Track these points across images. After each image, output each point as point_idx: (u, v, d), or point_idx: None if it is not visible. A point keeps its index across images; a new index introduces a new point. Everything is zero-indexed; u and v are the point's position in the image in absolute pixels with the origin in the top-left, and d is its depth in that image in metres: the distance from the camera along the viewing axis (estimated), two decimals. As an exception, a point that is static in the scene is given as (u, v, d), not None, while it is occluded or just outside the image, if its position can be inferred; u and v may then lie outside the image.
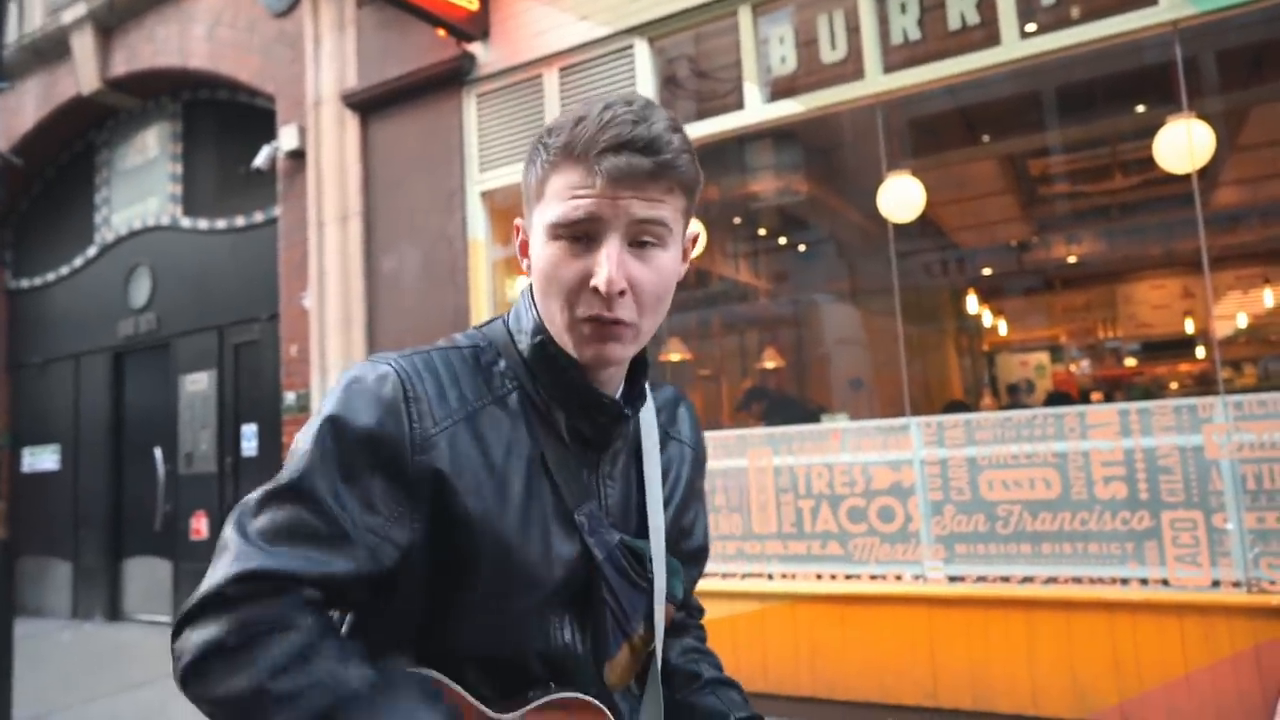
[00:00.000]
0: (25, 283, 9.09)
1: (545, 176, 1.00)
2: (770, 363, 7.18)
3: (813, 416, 5.05)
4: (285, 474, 0.93)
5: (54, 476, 8.59)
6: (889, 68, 4.33)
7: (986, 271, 8.75)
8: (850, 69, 4.46)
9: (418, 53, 5.66)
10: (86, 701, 5.25)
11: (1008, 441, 3.93)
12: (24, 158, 8.32)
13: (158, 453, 7.54)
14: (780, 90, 4.70)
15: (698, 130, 4.77)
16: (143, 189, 8.03)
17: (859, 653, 4.12)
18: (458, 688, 0.97)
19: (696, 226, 1.10)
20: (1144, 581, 3.61)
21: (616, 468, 1.11)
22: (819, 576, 4.31)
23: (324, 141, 6.11)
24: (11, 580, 4.90)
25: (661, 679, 1.15)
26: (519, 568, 0.98)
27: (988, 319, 9.24)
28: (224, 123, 7.51)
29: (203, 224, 7.51)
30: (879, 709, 4.02)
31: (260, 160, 6.48)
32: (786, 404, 6.46)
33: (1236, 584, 3.44)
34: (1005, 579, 3.88)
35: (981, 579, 3.93)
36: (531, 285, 1.07)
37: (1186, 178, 3.94)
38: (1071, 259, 8.47)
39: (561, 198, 0.97)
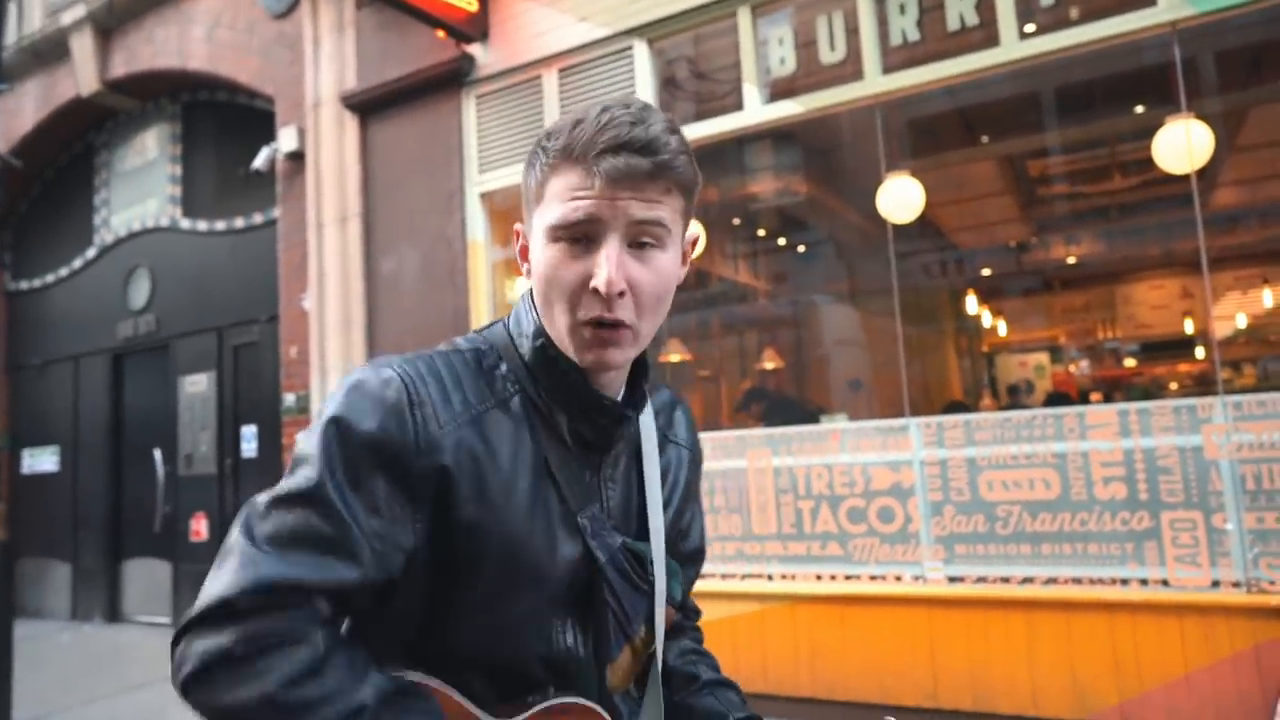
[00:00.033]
0: (25, 284, 9.09)
1: (544, 179, 1.00)
2: (769, 363, 7.18)
3: (812, 417, 5.05)
4: (292, 478, 0.92)
5: (53, 478, 8.59)
6: (888, 69, 4.33)
7: (986, 272, 8.76)
8: (849, 70, 4.46)
9: (417, 54, 5.66)
10: (86, 703, 5.24)
11: (1007, 442, 3.93)
12: (23, 159, 8.32)
13: (157, 454, 7.54)
14: (779, 91, 4.70)
15: (697, 131, 4.78)
16: (142, 190, 8.03)
17: (859, 653, 4.12)
18: (454, 693, 0.96)
19: (696, 229, 1.11)
20: (1144, 582, 3.61)
21: (618, 470, 1.11)
22: (819, 577, 4.31)
23: (323, 143, 6.11)
24: (11, 582, 4.89)
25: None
26: (522, 571, 0.98)
27: (987, 320, 9.24)
28: (223, 124, 7.51)
29: (202, 225, 7.51)
30: (879, 710, 4.02)
31: (259, 162, 6.48)
32: (786, 405, 6.47)
33: (1236, 584, 3.44)
34: (1005, 579, 3.88)
35: (981, 579, 3.93)
36: (531, 289, 1.07)
37: (1185, 178, 3.95)
38: (1071, 260, 8.48)
39: (561, 200, 0.97)
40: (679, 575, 1.16)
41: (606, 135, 0.94)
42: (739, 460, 4.58)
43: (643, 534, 1.12)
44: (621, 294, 0.96)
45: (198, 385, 7.42)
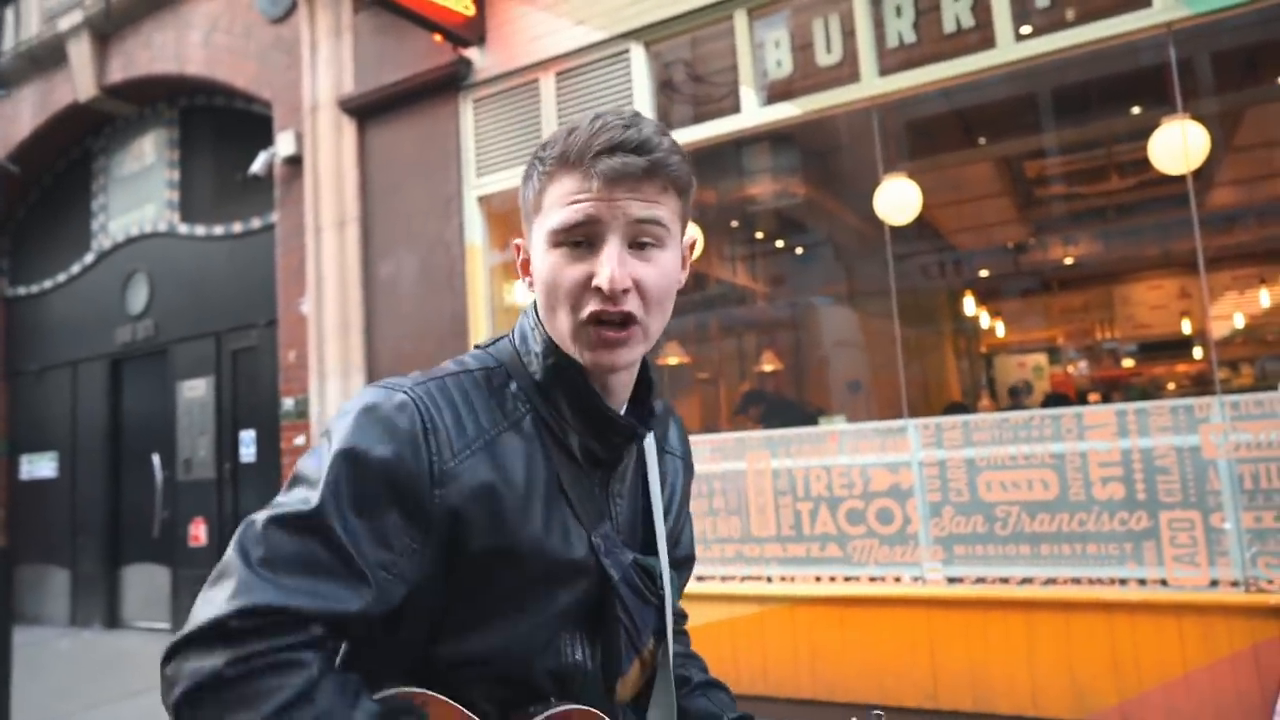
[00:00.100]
0: (22, 290, 9.09)
1: (543, 188, 1.01)
2: (768, 365, 7.19)
3: (811, 419, 5.06)
4: (294, 500, 0.90)
5: (52, 484, 8.58)
6: (885, 70, 4.34)
7: (984, 273, 8.76)
8: (846, 72, 4.47)
9: (414, 58, 5.67)
10: (85, 709, 5.24)
11: (1006, 443, 3.93)
12: (21, 165, 8.34)
13: (156, 459, 7.53)
14: (776, 94, 4.71)
15: (694, 134, 4.78)
16: (140, 195, 8.03)
17: (858, 655, 4.12)
18: (456, 706, 0.96)
19: (694, 232, 1.11)
20: (1142, 582, 3.62)
21: (624, 485, 1.12)
22: (818, 579, 4.31)
23: (321, 147, 6.11)
24: (10, 588, 4.89)
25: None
26: (534, 590, 0.99)
27: (985, 321, 9.25)
28: (221, 129, 7.52)
29: (200, 230, 7.51)
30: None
31: (257, 166, 6.48)
32: (784, 407, 6.47)
33: (1234, 583, 3.45)
34: (1004, 580, 3.88)
35: (980, 580, 3.93)
36: (535, 304, 1.07)
37: (1182, 179, 3.96)
38: (1068, 260, 8.49)
39: (560, 205, 0.98)
40: (675, 583, 1.18)
41: (601, 138, 0.96)
42: (738, 462, 4.58)
43: (649, 547, 1.13)
44: (626, 291, 0.96)
45: (196, 390, 7.42)
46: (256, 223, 7.06)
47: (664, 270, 1.00)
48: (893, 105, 4.46)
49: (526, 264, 1.08)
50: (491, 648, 0.98)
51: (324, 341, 5.98)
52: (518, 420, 1.02)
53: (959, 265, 8.48)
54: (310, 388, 6.02)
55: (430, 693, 0.95)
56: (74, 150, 8.71)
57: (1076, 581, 3.73)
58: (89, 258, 8.43)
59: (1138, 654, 3.56)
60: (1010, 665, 3.79)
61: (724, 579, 4.53)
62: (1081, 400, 7.47)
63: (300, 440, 6.13)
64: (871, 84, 4.34)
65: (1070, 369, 9.33)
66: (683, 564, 1.25)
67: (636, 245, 0.98)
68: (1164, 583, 3.58)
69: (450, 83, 5.53)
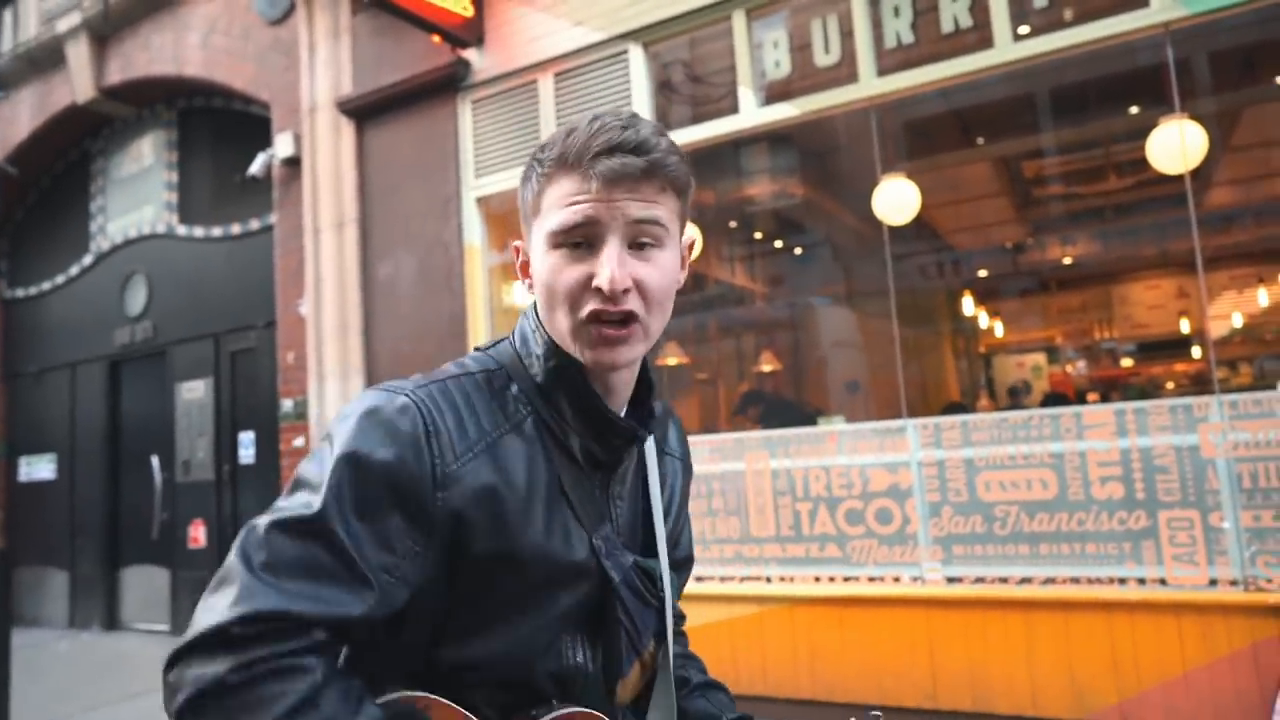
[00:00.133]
0: (21, 292, 9.09)
1: (541, 190, 1.01)
2: (767, 366, 7.19)
3: (809, 419, 5.06)
4: (296, 504, 0.90)
5: (50, 486, 8.58)
6: (883, 71, 4.35)
7: (982, 273, 8.77)
8: (844, 72, 4.47)
9: (413, 59, 5.67)
10: (85, 711, 5.23)
11: (1004, 442, 3.94)
12: (19, 167, 8.34)
13: (155, 461, 7.53)
14: (775, 94, 4.71)
15: (693, 135, 4.79)
16: (138, 197, 8.03)
17: (858, 655, 4.12)
18: (459, 709, 0.96)
19: (692, 232, 1.12)
20: (1141, 581, 3.62)
21: (625, 487, 1.12)
22: (817, 579, 4.31)
23: (319, 148, 6.11)
24: (9, 590, 4.88)
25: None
26: (536, 593, 0.99)
27: (984, 321, 9.25)
28: (219, 130, 7.52)
29: (198, 232, 7.51)
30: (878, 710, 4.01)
31: (255, 168, 6.48)
32: (783, 407, 6.47)
33: (1234, 583, 3.45)
34: (1003, 580, 3.88)
35: (980, 580, 3.93)
36: (535, 306, 1.07)
37: (1180, 178, 3.96)
38: (1067, 260, 8.49)
39: (559, 207, 0.98)
40: (674, 584, 1.18)
41: (599, 140, 0.96)
42: (737, 463, 4.58)
43: (649, 549, 1.13)
44: (626, 291, 0.96)
45: (195, 391, 7.42)
46: (255, 224, 7.06)
47: (663, 270, 1.00)
48: (891, 105, 4.47)
49: (526, 265, 1.08)
50: (493, 651, 0.98)
51: (323, 343, 5.98)
52: (519, 422, 1.02)
53: (957, 265, 8.49)
54: (309, 389, 6.02)
55: (433, 696, 0.95)
56: (72, 152, 8.71)
57: (1076, 581, 3.74)
58: (87, 259, 8.42)
59: (1137, 653, 3.56)
60: (1009, 665, 3.79)
61: (723, 579, 4.53)
62: (1080, 400, 7.48)
63: (299, 442, 6.13)
64: (870, 84, 4.35)
65: (1069, 369, 9.34)
66: (682, 565, 1.25)
67: (636, 245, 0.98)
68: (1163, 582, 3.58)
69: (448, 84, 5.53)
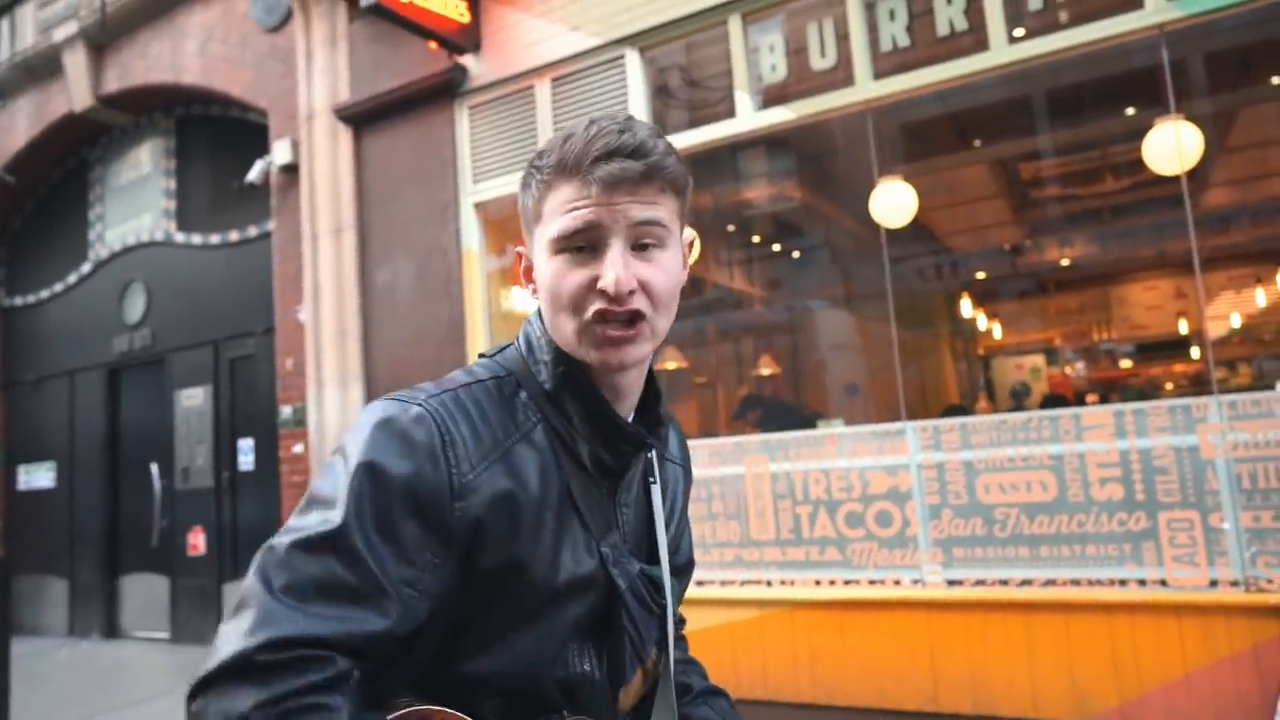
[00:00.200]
0: (19, 300, 9.08)
1: (541, 197, 1.02)
2: (766, 369, 7.19)
3: (809, 422, 5.06)
4: (314, 522, 0.88)
5: (50, 494, 8.56)
6: (879, 74, 4.35)
7: (980, 275, 8.77)
8: (840, 76, 4.48)
9: (410, 66, 5.68)
10: (84, 719, 5.23)
11: (1004, 445, 3.94)
12: (17, 175, 8.36)
13: (154, 468, 7.52)
14: (771, 98, 4.72)
15: (690, 139, 4.79)
16: (136, 205, 8.03)
17: (859, 658, 4.12)
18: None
19: (691, 233, 1.12)
20: (1142, 582, 3.62)
21: (631, 495, 1.12)
22: (817, 582, 4.31)
23: (317, 155, 6.12)
24: (8, 599, 4.88)
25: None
26: (545, 600, 0.99)
27: (982, 323, 9.26)
28: (217, 138, 7.52)
29: (197, 239, 7.51)
30: (879, 714, 4.01)
31: (253, 175, 6.49)
32: (782, 410, 6.48)
33: (1234, 583, 3.45)
34: (1004, 582, 3.88)
35: (980, 582, 3.93)
36: (539, 312, 1.07)
37: (1176, 179, 3.97)
38: (1064, 262, 8.50)
39: (560, 212, 0.98)
40: (675, 590, 1.18)
41: (597, 144, 0.96)
42: (737, 467, 4.58)
43: (653, 556, 1.13)
44: (632, 292, 0.97)
45: (194, 399, 7.41)
46: (253, 231, 7.06)
47: (667, 269, 1.01)
48: (887, 108, 4.47)
49: (529, 271, 1.09)
50: (503, 661, 0.97)
51: (321, 349, 5.98)
52: (529, 431, 1.02)
53: (955, 267, 8.49)
54: (308, 395, 6.02)
55: (445, 709, 0.94)
56: (70, 160, 8.71)
57: (1076, 583, 3.74)
58: (86, 267, 8.42)
59: (1138, 655, 3.56)
60: (1010, 667, 3.79)
61: (723, 583, 4.53)
62: (1079, 401, 7.48)
63: (299, 448, 6.13)
64: (866, 87, 4.36)
65: (1068, 370, 9.34)
66: (682, 571, 1.25)
67: (638, 247, 0.99)
68: (1163, 583, 3.58)
69: (446, 90, 5.54)
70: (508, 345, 1.12)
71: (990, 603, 3.87)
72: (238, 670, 0.81)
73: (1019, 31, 4.04)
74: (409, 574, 0.89)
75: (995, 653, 3.83)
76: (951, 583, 3.99)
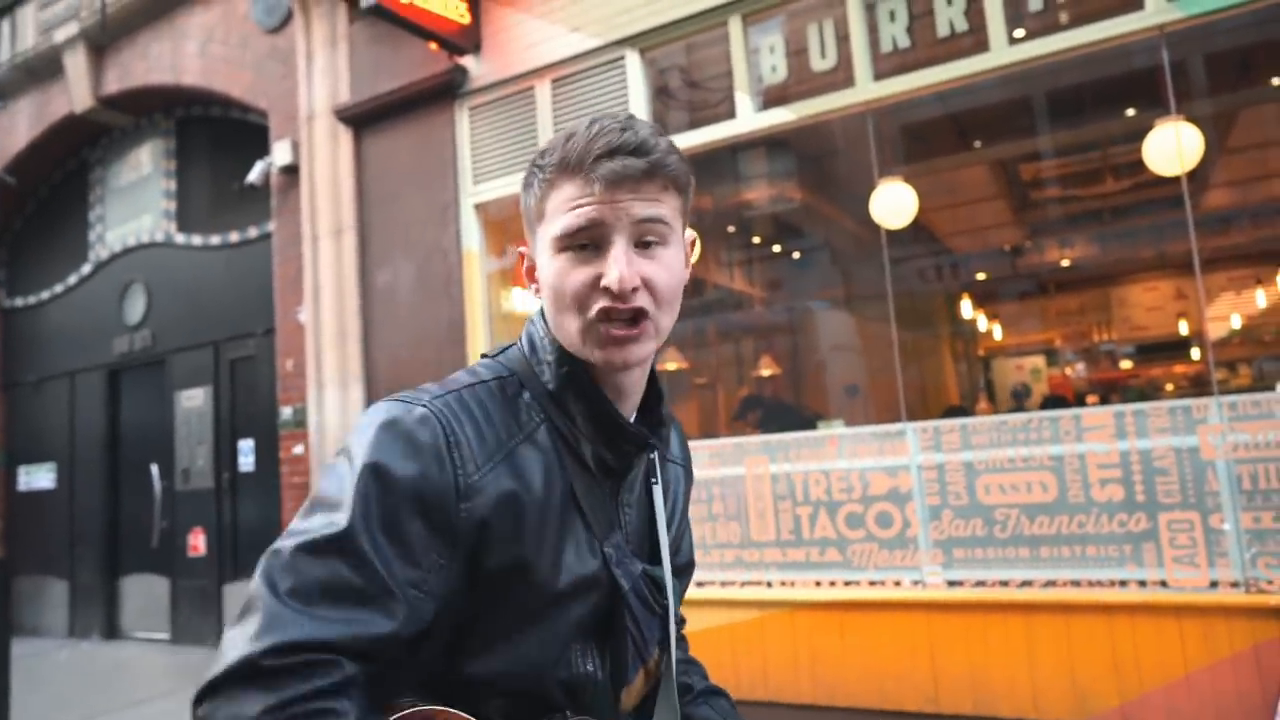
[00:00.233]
0: (19, 301, 9.09)
1: (544, 195, 1.02)
2: (766, 370, 7.19)
3: (809, 423, 5.06)
4: (319, 524, 0.88)
5: (50, 495, 8.56)
6: (879, 75, 4.36)
7: (980, 276, 8.77)
8: (841, 77, 4.48)
9: (410, 67, 5.68)
10: (85, 719, 5.23)
11: (1004, 445, 3.94)
12: (17, 176, 8.36)
13: (154, 469, 7.52)
14: (772, 99, 4.72)
15: (690, 140, 4.79)
16: (137, 206, 8.04)
17: (859, 659, 4.12)
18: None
19: (692, 233, 1.12)
20: (1142, 583, 3.62)
21: (633, 495, 1.12)
22: (818, 583, 4.31)
23: (317, 156, 6.12)
24: (8, 599, 4.88)
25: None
26: (549, 601, 0.98)
27: (982, 324, 9.26)
28: (217, 139, 7.52)
29: (197, 240, 7.51)
30: (879, 715, 4.01)
31: (254, 176, 6.49)
32: (783, 411, 6.48)
33: (1234, 584, 3.45)
34: (1004, 583, 3.88)
35: (980, 583, 3.93)
36: (542, 311, 1.08)
37: (1176, 180, 3.97)
38: (1065, 263, 8.50)
39: (563, 211, 0.98)
40: (676, 590, 1.18)
41: (600, 143, 0.97)
42: (737, 468, 4.58)
43: (655, 557, 1.13)
44: (635, 289, 0.97)
45: (194, 400, 7.42)
46: (253, 232, 7.06)
47: (670, 267, 1.01)
48: (887, 109, 4.47)
49: (532, 270, 1.08)
50: (508, 662, 0.97)
51: (322, 350, 5.98)
52: (532, 431, 1.02)
53: (955, 268, 8.49)
54: (308, 396, 6.02)
55: (448, 710, 0.94)
56: (70, 161, 8.71)
57: (1076, 584, 3.74)
58: (86, 268, 8.43)
59: (1138, 656, 3.55)
60: (1011, 668, 3.79)
61: (724, 584, 4.53)
62: (1079, 402, 7.48)
63: (299, 449, 6.13)
64: (866, 88, 4.36)
65: (1068, 371, 9.34)
66: (683, 571, 1.25)
67: (641, 244, 0.99)
68: (1164, 584, 3.58)
69: (446, 91, 5.54)
70: (510, 345, 1.12)
71: (991, 603, 3.87)
72: (244, 675, 0.80)
73: (1019, 32, 4.04)
74: (415, 575, 0.89)
75: (996, 653, 3.83)
76: (952, 583, 3.99)
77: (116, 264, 8.15)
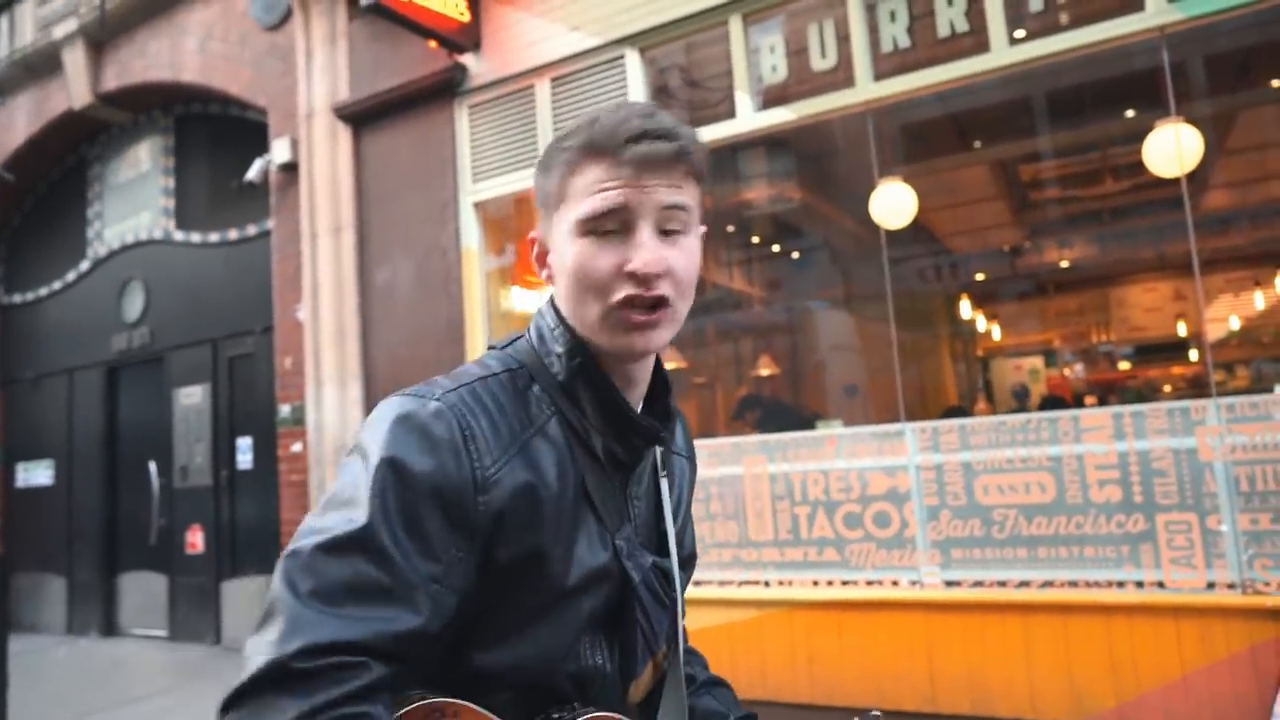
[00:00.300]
0: (18, 298, 9.08)
1: (566, 177, 1.00)
2: (765, 370, 7.18)
3: (808, 423, 5.06)
4: (337, 522, 0.87)
5: (48, 492, 8.56)
6: (879, 75, 4.35)
7: (979, 277, 8.77)
8: (841, 77, 4.48)
9: (409, 65, 5.67)
10: (82, 717, 5.22)
11: (1002, 446, 3.94)
12: (16, 173, 8.35)
13: (152, 467, 7.52)
14: (772, 98, 4.72)
15: (690, 139, 4.78)
16: (135, 203, 8.03)
17: (857, 659, 4.12)
18: (482, 711, 0.95)
19: (702, 226, 1.12)
20: (1140, 584, 3.62)
21: (642, 487, 1.11)
22: (816, 583, 4.31)
23: (316, 154, 6.11)
24: (6, 596, 4.88)
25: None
26: (561, 593, 0.98)
27: (981, 324, 9.26)
28: (216, 136, 7.52)
29: (196, 237, 7.51)
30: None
31: (253, 173, 6.48)
32: (781, 411, 6.47)
33: (1231, 585, 3.45)
34: (1002, 583, 3.88)
35: (978, 584, 3.93)
36: (551, 303, 1.07)
37: (1176, 181, 3.97)
38: (1064, 263, 8.50)
39: (588, 193, 0.97)
40: (682, 583, 1.18)
41: (629, 126, 0.96)
42: (735, 467, 4.58)
43: (662, 549, 1.13)
44: (659, 276, 0.96)
45: (193, 397, 7.41)
46: (252, 229, 7.05)
47: (690, 255, 1.01)
48: (887, 109, 4.47)
49: (543, 256, 1.07)
50: (518, 655, 0.97)
51: (320, 348, 5.97)
52: (543, 424, 1.01)
53: (955, 269, 8.49)
54: (307, 394, 6.01)
55: (456, 701, 0.94)
56: (69, 158, 8.70)
57: (1074, 584, 3.74)
58: (84, 265, 8.42)
59: (1135, 656, 3.56)
60: (1008, 668, 3.79)
61: (722, 584, 4.53)
62: (1078, 403, 7.48)
63: (297, 447, 6.13)
64: (866, 88, 4.36)
65: (1066, 372, 9.34)
66: (686, 563, 1.25)
67: (664, 232, 0.98)
68: (1161, 585, 3.58)
69: (445, 89, 5.54)
70: (518, 337, 1.11)
71: (988, 604, 3.87)
72: (274, 680, 0.78)
73: (1020, 33, 4.04)
74: (436, 570, 0.88)
75: (993, 654, 3.83)
76: (950, 584, 3.99)
77: (115, 261, 8.15)
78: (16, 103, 8.38)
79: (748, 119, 4.70)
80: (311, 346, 6.01)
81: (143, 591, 7.66)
